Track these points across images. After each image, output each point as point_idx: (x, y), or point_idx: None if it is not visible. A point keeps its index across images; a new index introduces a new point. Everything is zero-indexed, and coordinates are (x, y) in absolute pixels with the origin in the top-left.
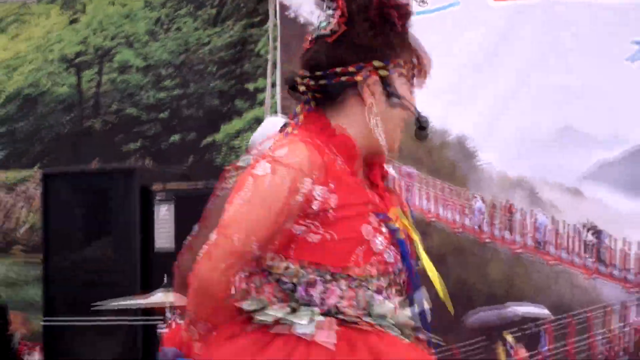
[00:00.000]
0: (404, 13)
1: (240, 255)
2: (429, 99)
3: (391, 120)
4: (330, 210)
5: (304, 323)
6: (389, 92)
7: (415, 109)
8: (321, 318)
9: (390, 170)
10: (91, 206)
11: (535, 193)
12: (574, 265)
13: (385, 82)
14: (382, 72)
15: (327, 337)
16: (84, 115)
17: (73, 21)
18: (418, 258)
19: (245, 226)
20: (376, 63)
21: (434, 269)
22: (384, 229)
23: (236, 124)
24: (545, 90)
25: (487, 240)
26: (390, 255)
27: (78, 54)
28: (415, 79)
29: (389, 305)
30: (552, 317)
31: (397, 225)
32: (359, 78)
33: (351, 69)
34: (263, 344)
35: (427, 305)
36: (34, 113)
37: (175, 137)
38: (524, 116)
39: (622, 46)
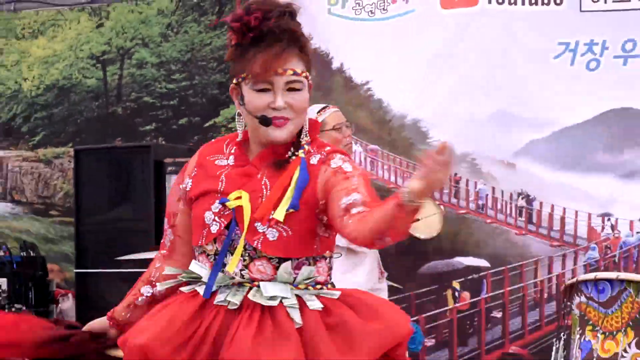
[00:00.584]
0: (237, 30)
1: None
2: (392, 89)
3: (248, 117)
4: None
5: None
6: (241, 98)
7: (254, 109)
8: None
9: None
10: (114, 177)
11: (477, 166)
12: (508, 225)
13: (240, 91)
14: (236, 83)
15: None
16: (108, 103)
17: (99, 25)
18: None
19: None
20: (234, 77)
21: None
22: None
23: (232, 109)
24: (487, 82)
25: (438, 204)
26: (216, 225)
27: (103, 53)
28: (253, 83)
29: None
30: (491, 268)
31: (232, 203)
32: (231, 89)
33: (232, 81)
34: None
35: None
36: (68, 101)
37: (183, 120)
38: (468, 102)
39: (550, 46)
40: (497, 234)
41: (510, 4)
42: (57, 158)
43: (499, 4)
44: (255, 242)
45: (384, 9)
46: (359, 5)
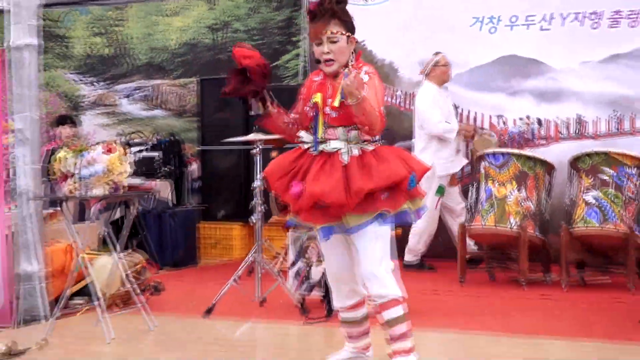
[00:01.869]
0: (309, 14)
1: None
2: (377, 44)
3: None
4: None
5: None
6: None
7: (315, 55)
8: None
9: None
10: (221, 95)
11: None
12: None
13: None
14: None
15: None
16: (216, 52)
17: (211, 9)
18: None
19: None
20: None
21: (320, 104)
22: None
23: (287, 56)
24: (432, 40)
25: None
26: (309, 111)
27: (214, 24)
28: (313, 41)
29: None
30: None
31: (313, 100)
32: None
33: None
34: None
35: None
36: (194, 51)
37: None
38: (421, 52)
39: (467, 19)
40: None
41: None
42: (188, 84)
43: None
44: (327, 118)
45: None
46: None
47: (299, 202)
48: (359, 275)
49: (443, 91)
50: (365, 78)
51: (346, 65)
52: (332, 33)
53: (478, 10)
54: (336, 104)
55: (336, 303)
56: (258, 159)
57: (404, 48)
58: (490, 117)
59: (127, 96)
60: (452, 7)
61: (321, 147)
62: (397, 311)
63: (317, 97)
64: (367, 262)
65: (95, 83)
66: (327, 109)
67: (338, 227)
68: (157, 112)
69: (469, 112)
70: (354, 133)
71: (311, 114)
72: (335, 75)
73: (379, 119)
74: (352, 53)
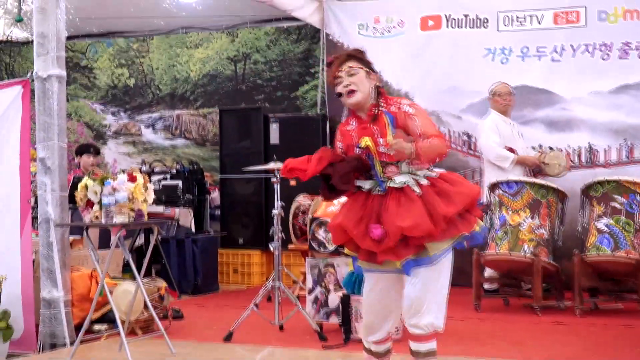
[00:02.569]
0: (329, 64)
1: None
2: (392, 74)
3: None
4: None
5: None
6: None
7: (336, 92)
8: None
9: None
10: (241, 124)
11: (440, 117)
12: (457, 150)
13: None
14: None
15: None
16: (237, 83)
17: (232, 40)
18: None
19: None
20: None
21: (372, 147)
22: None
23: (305, 87)
24: (446, 69)
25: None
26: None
27: (235, 55)
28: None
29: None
30: None
31: (362, 145)
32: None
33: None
34: None
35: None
36: (215, 82)
37: (279, 93)
38: (434, 82)
39: (480, 50)
40: (451, 154)
41: (459, 27)
42: (210, 114)
43: (452, 28)
44: (384, 157)
45: (389, 31)
46: (375, 29)
47: (384, 243)
48: (409, 306)
49: (506, 119)
50: (410, 110)
51: (377, 106)
52: (349, 67)
53: (490, 41)
54: (390, 140)
55: (366, 335)
56: (277, 187)
57: (419, 78)
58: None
59: (150, 125)
60: (465, 38)
61: (388, 184)
62: (434, 344)
63: (367, 141)
64: (431, 291)
65: (118, 113)
66: (382, 149)
67: (414, 261)
68: (179, 141)
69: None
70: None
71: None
72: (373, 118)
73: (442, 143)
74: (374, 89)
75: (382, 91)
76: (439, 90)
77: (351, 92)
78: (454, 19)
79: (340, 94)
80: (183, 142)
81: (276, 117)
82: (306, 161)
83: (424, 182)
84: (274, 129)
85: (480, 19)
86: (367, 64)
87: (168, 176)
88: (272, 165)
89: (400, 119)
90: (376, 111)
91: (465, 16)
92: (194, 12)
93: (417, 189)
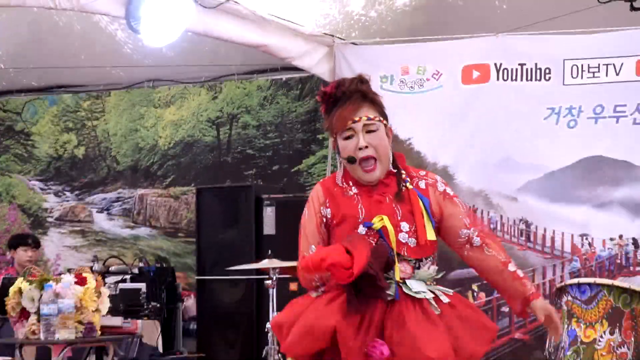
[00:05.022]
0: (321, 99)
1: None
2: (426, 143)
3: (344, 162)
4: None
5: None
6: (337, 148)
7: (343, 153)
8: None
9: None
10: (225, 208)
11: (489, 199)
12: (512, 243)
13: (336, 144)
14: (334, 139)
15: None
16: (221, 154)
17: (214, 97)
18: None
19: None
20: (331, 135)
21: (391, 232)
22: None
23: (311, 159)
24: (496, 136)
25: None
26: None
27: (217, 117)
28: (340, 133)
29: None
30: None
31: (377, 225)
32: (332, 144)
33: (331, 138)
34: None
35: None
36: (191, 152)
37: (276, 167)
38: (481, 152)
39: (541, 110)
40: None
41: (512, 80)
42: (183, 195)
43: (504, 80)
44: (403, 250)
45: (421, 85)
46: (403, 83)
47: None
48: None
49: None
50: (449, 190)
51: (396, 175)
52: (368, 118)
53: (554, 98)
54: (433, 236)
55: None
56: (272, 293)
57: (460, 147)
58: (572, 236)
59: (104, 210)
60: (521, 94)
61: (401, 288)
62: None
63: (384, 221)
64: None
65: (63, 192)
66: (404, 237)
67: None
68: (143, 230)
69: (544, 230)
70: (433, 268)
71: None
72: (397, 194)
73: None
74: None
75: (400, 156)
76: (488, 164)
77: (369, 160)
78: (507, 70)
79: (352, 160)
80: (148, 231)
81: (272, 199)
82: (342, 252)
83: (445, 299)
84: (269, 214)
85: (540, 69)
86: (383, 114)
87: (128, 277)
88: (266, 263)
89: (436, 202)
90: (402, 187)
91: (521, 65)
92: (163, 59)
93: (437, 308)
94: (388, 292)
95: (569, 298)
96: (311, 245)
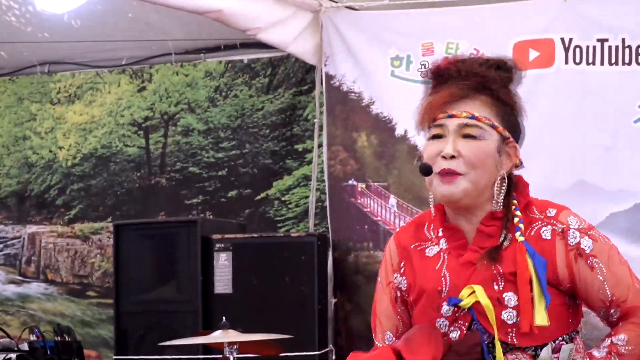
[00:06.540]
0: (435, 75)
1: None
2: None
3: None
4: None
5: None
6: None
7: (420, 160)
8: None
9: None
10: (158, 254)
11: None
12: None
13: None
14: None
15: None
16: (151, 173)
17: (141, 89)
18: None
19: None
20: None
21: (490, 311)
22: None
23: (287, 180)
24: (561, 150)
25: None
26: (456, 331)
27: (146, 119)
28: (428, 129)
29: None
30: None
31: (467, 302)
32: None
33: None
34: None
35: None
36: (107, 171)
37: (233, 193)
38: (542, 171)
39: (629, 109)
40: None
41: (588, 63)
42: (95, 234)
43: (576, 63)
44: (509, 336)
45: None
46: (425, 67)
47: None
48: None
49: None
50: (588, 244)
51: (504, 215)
52: (471, 117)
53: None
54: (543, 321)
55: None
56: None
57: None
58: None
59: None
60: (600, 84)
61: None
62: None
63: (477, 295)
64: None
65: None
66: (510, 315)
67: None
68: (35, 287)
69: None
70: (567, 348)
71: (459, 334)
72: (491, 251)
73: None
74: (500, 181)
75: (522, 184)
76: (551, 188)
77: (451, 174)
78: (579, 48)
79: (425, 169)
80: (42, 289)
81: (227, 241)
82: (392, 355)
83: None
84: (223, 263)
85: (630, 47)
86: (509, 122)
87: (14, 356)
88: (218, 336)
89: (564, 262)
90: (505, 239)
91: (602, 42)
92: (66, 31)
93: None
94: None
95: None
96: (386, 333)
